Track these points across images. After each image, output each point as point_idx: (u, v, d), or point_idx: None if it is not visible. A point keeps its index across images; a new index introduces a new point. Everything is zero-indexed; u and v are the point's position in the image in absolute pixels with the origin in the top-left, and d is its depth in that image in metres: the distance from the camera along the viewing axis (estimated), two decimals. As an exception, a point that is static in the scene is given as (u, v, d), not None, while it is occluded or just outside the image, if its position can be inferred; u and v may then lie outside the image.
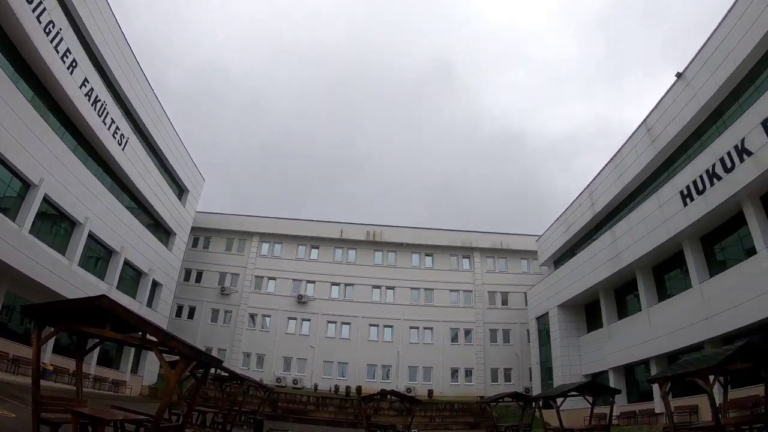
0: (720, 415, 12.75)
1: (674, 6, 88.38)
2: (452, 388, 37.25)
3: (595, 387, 20.24)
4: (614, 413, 24.28)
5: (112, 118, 25.82)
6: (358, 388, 33.60)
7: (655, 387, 20.46)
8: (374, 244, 42.22)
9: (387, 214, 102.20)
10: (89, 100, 23.59)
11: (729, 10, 19.90)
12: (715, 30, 20.68)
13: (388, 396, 22.98)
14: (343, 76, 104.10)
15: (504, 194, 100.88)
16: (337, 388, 34.67)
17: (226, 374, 18.02)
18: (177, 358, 7.67)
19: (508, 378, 38.42)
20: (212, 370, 13.20)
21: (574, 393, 20.49)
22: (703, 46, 21.37)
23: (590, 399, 20.27)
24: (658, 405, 21.57)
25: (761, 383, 16.01)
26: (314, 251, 42.22)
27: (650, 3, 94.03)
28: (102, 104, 24.75)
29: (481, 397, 32.61)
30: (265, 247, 42.45)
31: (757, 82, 19.16)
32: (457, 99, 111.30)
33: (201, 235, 42.21)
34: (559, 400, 19.86)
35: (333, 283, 40.82)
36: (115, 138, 26.39)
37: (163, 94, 34.14)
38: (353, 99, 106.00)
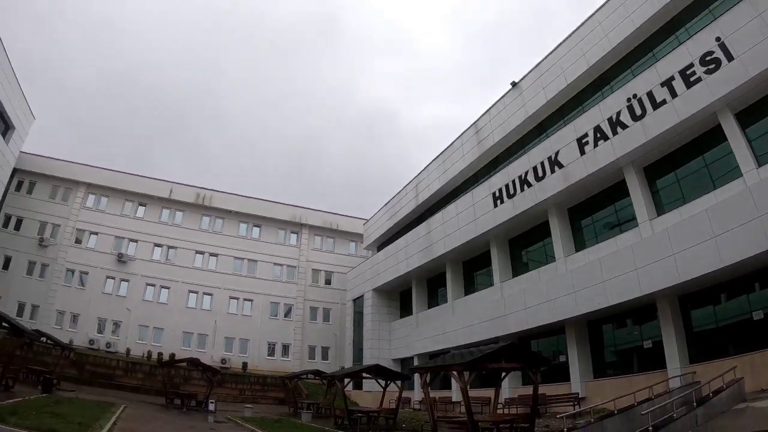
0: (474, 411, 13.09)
1: (557, 27, 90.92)
2: (268, 362, 36.88)
3: (381, 371, 20.49)
4: (415, 398, 25.51)
5: None
6: (172, 356, 31.59)
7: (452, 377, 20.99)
8: (203, 208, 39.77)
9: (237, 175, 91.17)
10: None
11: (569, 36, 20.92)
12: (555, 49, 21.62)
13: (184, 363, 24.14)
14: (210, 12, 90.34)
15: (362, 173, 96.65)
16: (150, 354, 32.74)
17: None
18: None
19: (325, 356, 39.02)
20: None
21: (368, 375, 21.04)
22: (541, 62, 22.33)
23: (382, 382, 20.56)
24: (455, 394, 22.25)
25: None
26: (141, 209, 38.77)
27: (536, 22, 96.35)
28: None
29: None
30: (92, 199, 37.68)
31: (584, 103, 20.48)
32: (337, 61, 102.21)
33: (26, 179, 36.02)
34: (362, 382, 19.67)
35: (156, 245, 37.89)
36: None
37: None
38: (219, 39, 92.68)
